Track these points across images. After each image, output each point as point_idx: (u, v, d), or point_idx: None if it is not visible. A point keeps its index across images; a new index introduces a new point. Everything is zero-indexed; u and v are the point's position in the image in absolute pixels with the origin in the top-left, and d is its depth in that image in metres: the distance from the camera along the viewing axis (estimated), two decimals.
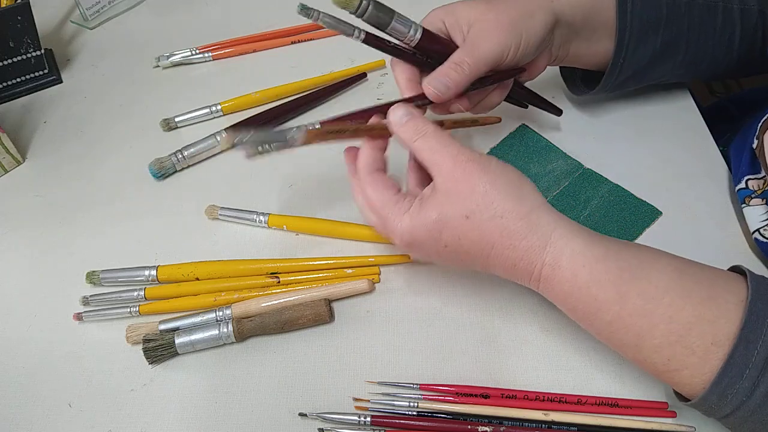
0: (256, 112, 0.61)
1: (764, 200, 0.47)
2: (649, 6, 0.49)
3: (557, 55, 0.50)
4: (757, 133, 0.49)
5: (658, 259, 0.37)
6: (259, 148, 0.39)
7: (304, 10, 0.40)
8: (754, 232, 0.47)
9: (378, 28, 0.42)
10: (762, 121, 0.49)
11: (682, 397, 0.37)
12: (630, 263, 0.36)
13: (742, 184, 0.50)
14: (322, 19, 0.40)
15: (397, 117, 0.40)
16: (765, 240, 0.46)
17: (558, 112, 0.56)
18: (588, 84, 0.55)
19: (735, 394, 0.33)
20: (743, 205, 0.49)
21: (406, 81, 0.46)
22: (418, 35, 0.43)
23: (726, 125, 0.62)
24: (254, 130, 0.37)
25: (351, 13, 0.41)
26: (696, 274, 0.36)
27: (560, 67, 0.57)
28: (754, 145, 0.49)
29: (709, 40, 0.50)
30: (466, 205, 0.37)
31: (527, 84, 0.53)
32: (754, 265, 0.47)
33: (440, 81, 0.43)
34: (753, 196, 0.48)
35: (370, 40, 0.43)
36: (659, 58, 0.50)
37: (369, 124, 0.43)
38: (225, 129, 0.37)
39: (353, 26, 0.42)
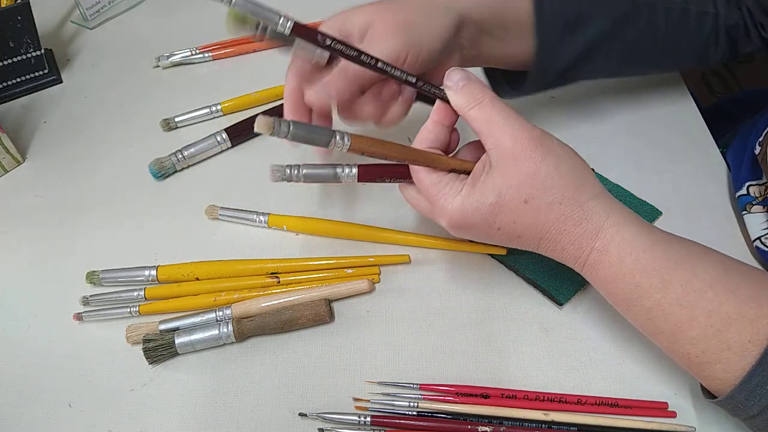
0: (256, 112, 0.61)
1: (765, 207, 0.47)
2: (567, 4, 0.45)
3: (470, 56, 0.45)
4: (761, 140, 0.49)
5: (706, 254, 0.37)
6: (287, 172, 0.39)
7: None
8: (755, 240, 0.47)
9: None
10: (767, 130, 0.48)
11: (708, 394, 0.37)
12: (678, 254, 0.36)
13: (743, 191, 0.49)
14: (236, 3, 0.35)
15: (453, 81, 0.38)
16: (766, 249, 0.46)
17: None
18: (513, 85, 0.50)
19: (764, 394, 0.33)
20: (744, 213, 0.48)
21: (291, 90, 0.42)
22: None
23: (726, 125, 0.62)
24: (293, 123, 0.33)
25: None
26: (742, 273, 0.36)
27: (484, 71, 0.52)
28: (757, 152, 0.49)
29: (633, 40, 0.48)
30: (526, 189, 0.36)
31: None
32: None
33: (322, 89, 0.39)
34: (754, 203, 0.48)
35: (300, 31, 0.37)
36: (584, 59, 0.47)
37: (419, 152, 0.39)
38: (261, 113, 0.35)
39: (277, 13, 0.36)
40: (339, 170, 0.40)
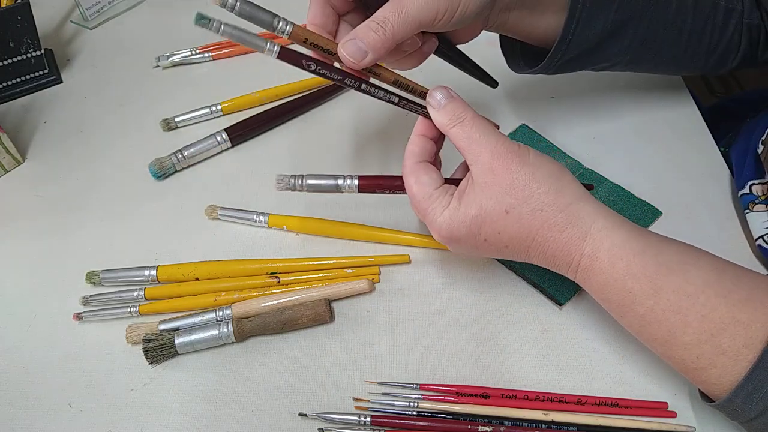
0: (256, 112, 0.61)
1: None
2: None
3: (495, 22, 0.44)
4: (764, 138, 0.49)
5: (699, 258, 0.37)
6: (291, 182, 0.41)
7: (202, 20, 0.34)
8: (757, 239, 0.47)
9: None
10: None
11: (707, 398, 0.37)
12: (669, 259, 0.36)
13: (746, 189, 0.49)
14: (224, 31, 0.34)
15: (435, 100, 0.40)
16: None
17: (493, 83, 0.50)
18: (528, 62, 0.50)
19: (761, 398, 0.33)
20: (746, 211, 0.48)
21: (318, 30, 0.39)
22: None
23: (727, 125, 0.62)
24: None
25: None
26: (736, 276, 0.36)
27: (501, 42, 0.51)
28: (760, 150, 0.49)
29: (660, 26, 0.47)
30: (505, 199, 0.37)
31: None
32: (756, 269, 0.47)
33: (356, 45, 0.36)
34: (757, 201, 0.48)
35: (286, 56, 0.37)
36: (609, 38, 0.46)
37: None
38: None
39: (264, 40, 0.36)
40: (341, 181, 0.42)
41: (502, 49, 0.52)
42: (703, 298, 0.34)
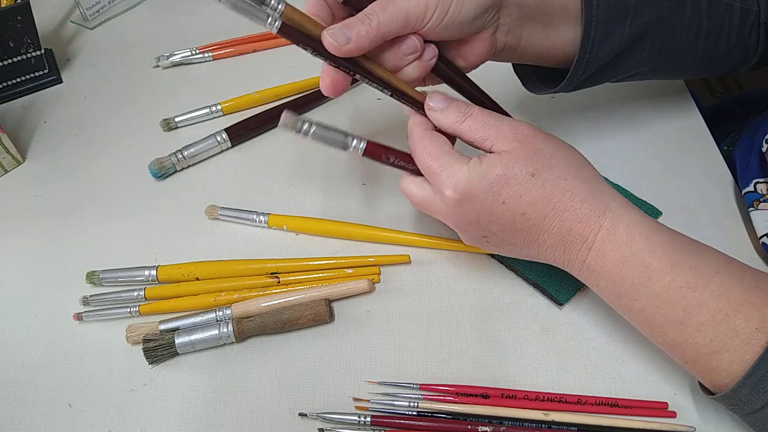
0: (256, 112, 0.61)
1: None
2: None
3: (506, 43, 0.42)
4: (767, 137, 0.49)
5: (707, 246, 0.38)
6: (299, 125, 0.39)
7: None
8: (761, 237, 0.47)
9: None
10: None
11: (708, 392, 0.37)
12: (683, 241, 0.37)
13: (750, 188, 0.49)
14: (225, 2, 0.35)
15: (436, 104, 0.40)
16: None
17: None
18: (544, 81, 0.49)
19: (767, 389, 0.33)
20: (750, 209, 0.48)
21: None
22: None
23: (730, 125, 0.62)
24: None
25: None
26: (744, 265, 0.37)
27: (514, 66, 0.51)
28: (764, 149, 0.49)
29: (676, 34, 0.47)
30: (532, 163, 0.37)
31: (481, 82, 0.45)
32: (759, 268, 0.47)
33: (341, 31, 0.37)
34: (762, 200, 0.48)
35: (286, 32, 0.37)
36: (626, 51, 0.46)
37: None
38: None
39: (266, 13, 0.36)
40: (349, 139, 0.40)
41: (516, 73, 0.51)
42: (717, 278, 0.35)
